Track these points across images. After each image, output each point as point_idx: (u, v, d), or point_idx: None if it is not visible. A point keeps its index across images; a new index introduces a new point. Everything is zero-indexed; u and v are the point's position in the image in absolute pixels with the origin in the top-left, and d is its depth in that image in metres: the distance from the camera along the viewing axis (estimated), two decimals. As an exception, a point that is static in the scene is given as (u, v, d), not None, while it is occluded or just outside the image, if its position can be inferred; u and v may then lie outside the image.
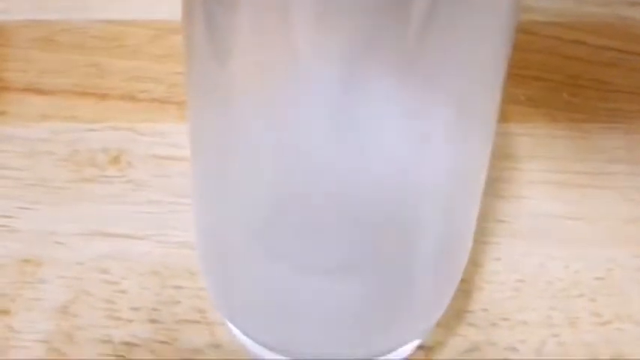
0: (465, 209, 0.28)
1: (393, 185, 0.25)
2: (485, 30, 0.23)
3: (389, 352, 0.30)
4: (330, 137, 0.24)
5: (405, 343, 0.30)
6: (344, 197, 0.25)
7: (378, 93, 0.23)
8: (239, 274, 0.28)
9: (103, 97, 0.39)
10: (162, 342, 0.32)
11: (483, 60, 0.24)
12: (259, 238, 0.26)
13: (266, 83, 0.23)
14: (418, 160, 0.25)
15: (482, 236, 0.34)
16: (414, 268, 0.27)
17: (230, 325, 0.30)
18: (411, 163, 0.25)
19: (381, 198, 0.25)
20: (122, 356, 0.31)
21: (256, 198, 0.26)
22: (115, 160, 0.37)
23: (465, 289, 0.33)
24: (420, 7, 0.21)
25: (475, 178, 0.27)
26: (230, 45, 0.23)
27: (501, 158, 0.37)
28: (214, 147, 0.26)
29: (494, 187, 0.36)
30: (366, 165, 0.24)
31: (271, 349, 0.29)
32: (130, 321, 0.32)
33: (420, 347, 0.31)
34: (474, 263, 0.34)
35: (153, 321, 0.32)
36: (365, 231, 0.26)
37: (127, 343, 0.31)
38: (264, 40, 0.22)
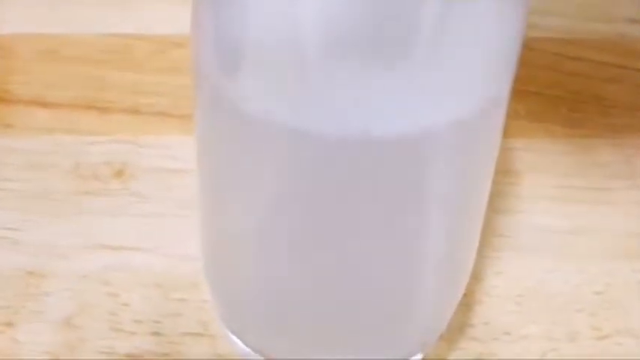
0: (468, 223, 0.28)
1: (397, 201, 0.25)
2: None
3: (391, 365, 0.30)
4: (335, 171, 0.24)
5: (408, 356, 0.30)
6: (347, 216, 0.25)
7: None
8: (244, 285, 0.28)
9: (107, 110, 0.40)
10: (165, 354, 0.32)
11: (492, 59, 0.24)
12: (265, 250, 0.27)
13: (273, 95, 0.23)
14: (422, 175, 0.25)
15: (483, 250, 0.34)
16: (416, 282, 0.28)
17: (233, 337, 0.31)
18: (415, 178, 0.25)
19: (384, 218, 0.25)
20: (125, 368, 0.31)
21: (263, 210, 0.26)
22: (119, 172, 0.37)
23: (467, 302, 0.33)
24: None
25: (479, 192, 0.27)
26: (238, 57, 0.23)
27: (502, 173, 0.37)
28: (221, 159, 0.26)
29: (494, 201, 0.36)
30: (369, 179, 0.24)
31: (274, 361, 0.30)
32: (133, 333, 0.32)
33: (421, 361, 0.31)
34: (475, 277, 0.34)
35: (156, 333, 0.32)
36: (368, 245, 0.26)
37: (130, 356, 0.32)
38: (272, 53, 0.23)
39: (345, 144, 0.23)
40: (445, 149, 0.24)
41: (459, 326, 0.33)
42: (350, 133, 0.23)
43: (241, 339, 0.30)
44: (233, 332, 0.31)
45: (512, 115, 0.39)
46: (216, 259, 0.29)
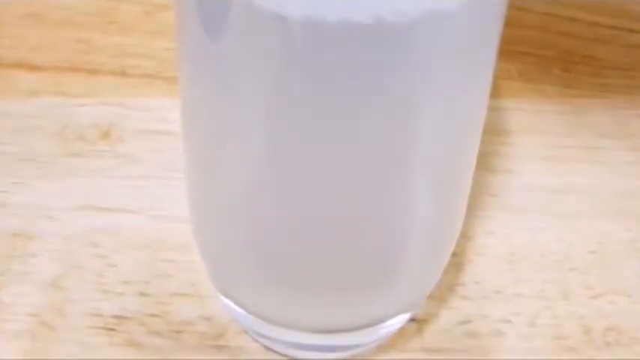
0: (457, 181, 0.28)
1: (386, 156, 0.25)
2: None
3: (381, 323, 0.30)
4: (320, 110, 0.23)
5: (397, 315, 0.30)
6: (336, 166, 0.25)
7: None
8: (233, 242, 0.28)
9: (94, 72, 0.39)
10: (153, 315, 0.31)
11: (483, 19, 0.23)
12: (253, 208, 0.26)
13: (257, 57, 0.23)
14: (411, 129, 0.24)
15: (474, 210, 0.34)
16: (406, 239, 0.27)
17: (222, 297, 0.30)
18: (404, 133, 0.24)
19: (373, 168, 0.25)
20: (113, 329, 0.31)
21: (249, 168, 0.25)
22: (106, 134, 0.37)
23: (457, 262, 0.33)
24: None
25: (468, 148, 0.27)
26: (222, 19, 0.23)
27: (493, 133, 0.37)
28: (206, 119, 0.26)
29: (486, 161, 0.36)
30: (358, 134, 0.24)
31: (264, 319, 0.29)
32: (121, 294, 0.32)
33: (412, 320, 0.31)
34: (466, 237, 0.34)
35: (144, 294, 0.32)
36: (357, 201, 0.25)
37: (118, 316, 0.31)
38: (256, 14, 0.22)
39: (336, 28, 0.21)
40: (446, 36, 0.23)
41: (449, 285, 0.32)
42: (342, 18, 0.21)
43: (231, 299, 0.30)
44: (222, 292, 0.30)
45: (503, 76, 0.39)
46: (205, 216, 0.29)
